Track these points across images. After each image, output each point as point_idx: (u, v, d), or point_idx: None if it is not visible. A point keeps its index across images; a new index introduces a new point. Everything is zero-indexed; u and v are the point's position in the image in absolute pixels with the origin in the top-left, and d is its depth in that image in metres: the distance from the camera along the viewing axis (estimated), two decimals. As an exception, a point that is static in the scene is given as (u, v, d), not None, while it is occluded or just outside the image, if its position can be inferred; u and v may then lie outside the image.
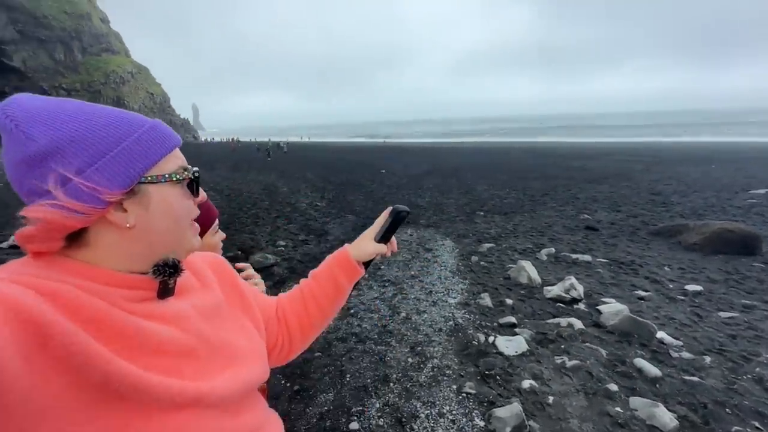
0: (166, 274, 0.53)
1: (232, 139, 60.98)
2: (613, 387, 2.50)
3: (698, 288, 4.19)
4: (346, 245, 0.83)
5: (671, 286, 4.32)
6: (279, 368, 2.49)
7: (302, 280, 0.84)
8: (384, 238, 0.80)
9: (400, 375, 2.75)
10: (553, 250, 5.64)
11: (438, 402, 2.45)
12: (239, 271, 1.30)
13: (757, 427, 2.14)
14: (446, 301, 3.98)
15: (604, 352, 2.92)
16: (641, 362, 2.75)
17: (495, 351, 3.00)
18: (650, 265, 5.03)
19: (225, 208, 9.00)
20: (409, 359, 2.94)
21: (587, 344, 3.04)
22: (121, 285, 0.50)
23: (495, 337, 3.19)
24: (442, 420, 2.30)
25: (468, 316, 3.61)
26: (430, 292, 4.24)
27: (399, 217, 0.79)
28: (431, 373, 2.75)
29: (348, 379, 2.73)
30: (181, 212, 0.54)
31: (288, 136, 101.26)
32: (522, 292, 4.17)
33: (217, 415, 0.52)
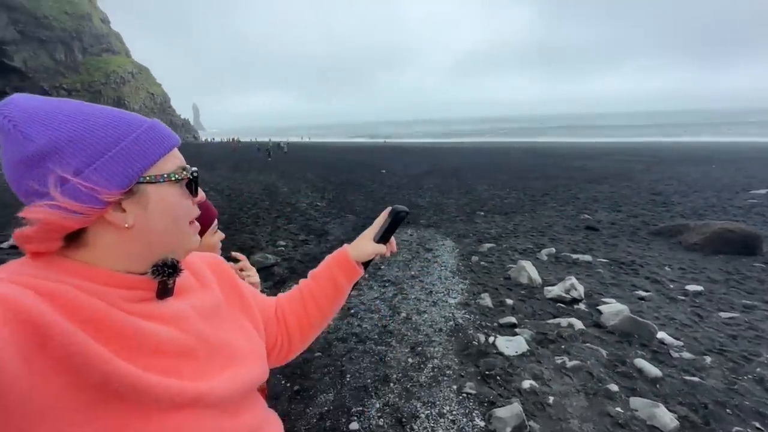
0: (165, 275, 0.53)
1: (233, 139, 60.99)
2: (614, 387, 2.50)
3: (699, 288, 4.19)
4: (345, 245, 0.83)
5: (672, 286, 4.31)
6: (279, 368, 2.49)
7: (301, 281, 0.84)
8: (383, 238, 0.80)
9: (400, 375, 2.75)
10: (553, 250, 5.63)
11: (438, 402, 2.45)
12: (235, 260, 1.30)
13: (758, 428, 2.14)
14: (446, 302, 3.97)
15: (604, 353, 2.92)
16: (642, 362, 2.74)
17: (495, 351, 3.00)
18: (651, 265, 5.03)
19: (225, 208, 9.00)
20: (410, 359, 2.94)
21: (588, 344, 3.04)
22: (120, 285, 0.50)
23: (495, 337, 3.18)
24: (442, 420, 2.30)
25: (468, 317, 3.61)
26: (431, 292, 4.23)
27: (398, 218, 0.79)
28: (431, 374, 2.75)
29: (348, 379, 2.73)
30: (179, 212, 0.54)
31: (288, 136, 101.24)
32: (522, 292, 4.16)
33: (217, 415, 0.52)
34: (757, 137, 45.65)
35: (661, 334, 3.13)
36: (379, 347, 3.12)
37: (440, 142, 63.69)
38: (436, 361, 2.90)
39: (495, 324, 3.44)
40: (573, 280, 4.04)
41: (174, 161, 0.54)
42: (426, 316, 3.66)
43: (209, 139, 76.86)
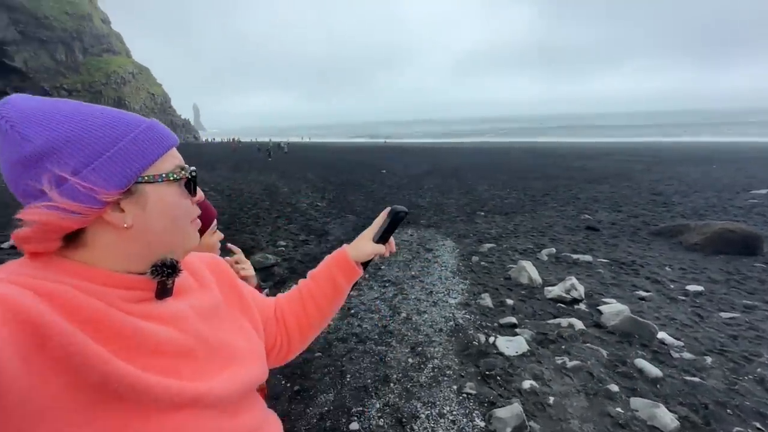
0: (164, 275, 0.53)
1: (233, 139, 61.03)
2: (614, 387, 2.50)
3: (699, 288, 4.18)
4: (344, 246, 0.83)
5: (672, 286, 4.31)
6: (279, 368, 2.49)
7: (300, 281, 0.84)
8: (382, 238, 0.80)
9: (400, 375, 2.75)
10: (553, 250, 5.63)
11: (438, 402, 2.45)
12: (231, 253, 1.31)
13: (759, 428, 2.14)
14: (447, 302, 3.97)
15: (604, 353, 2.92)
16: (642, 363, 2.74)
17: (495, 351, 2.99)
18: (651, 265, 5.02)
19: (226, 208, 9.00)
20: (410, 359, 2.94)
21: (588, 345, 3.04)
22: (119, 285, 0.50)
23: (495, 337, 3.18)
24: (442, 420, 2.30)
25: (468, 317, 3.61)
26: (431, 292, 4.23)
27: (397, 218, 0.79)
28: (432, 374, 2.75)
29: (348, 379, 2.73)
30: (178, 212, 0.54)
31: (288, 136, 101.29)
32: (523, 292, 4.16)
33: (216, 416, 0.52)
34: (757, 137, 45.65)
35: (661, 335, 3.13)
36: (379, 347, 3.12)
37: (440, 142, 63.71)
38: (436, 361, 2.90)
39: (495, 324, 3.44)
40: (573, 280, 4.04)
41: (172, 161, 0.54)
42: (426, 316, 3.66)
43: (210, 140, 76.89)
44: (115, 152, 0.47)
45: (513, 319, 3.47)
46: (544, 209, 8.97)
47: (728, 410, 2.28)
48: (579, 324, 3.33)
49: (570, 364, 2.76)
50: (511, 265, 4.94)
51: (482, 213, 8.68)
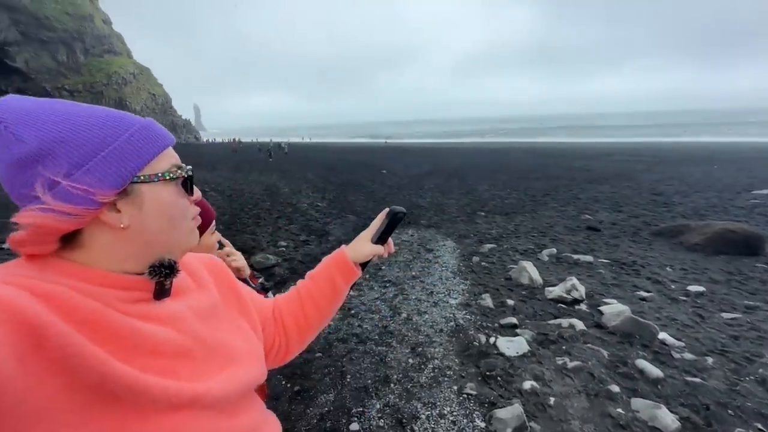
0: (162, 275, 0.53)
1: (234, 139, 61.09)
2: (615, 388, 2.49)
3: (700, 289, 4.17)
4: (343, 246, 0.83)
5: (673, 286, 4.30)
6: (280, 368, 2.49)
7: (299, 281, 0.84)
8: (381, 239, 0.80)
9: (400, 376, 2.75)
10: (554, 250, 5.62)
11: (439, 403, 2.45)
12: (220, 246, 1.31)
13: (760, 429, 2.13)
14: (447, 302, 3.97)
15: (605, 353, 2.91)
16: (643, 363, 2.74)
17: (496, 352, 2.99)
18: (652, 265, 5.01)
19: (226, 208, 9.01)
20: (410, 360, 2.94)
21: (589, 345, 3.03)
22: (116, 286, 0.49)
23: (496, 337, 3.18)
24: (442, 421, 2.29)
25: (469, 317, 3.60)
26: (431, 292, 4.23)
27: (396, 219, 0.79)
28: (432, 374, 2.75)
29: (348, 379, 2.72)
30: (175, 211, 0.54)
31: (289, 136, 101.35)
32: (523, 292, 4.16)
33: (214, 416, 0.52)
34: (757, 137, 45.62)
35: (662, 335, 3.12)
36: (379, 348, 3.12)
37: (441, 142, 63.74)
38: (436, 361, 2.90)
39: (496, 324, 3.44)
40: (574, 280, 4.03)
41: (169, 160, 0.53)
42: (427, 316, 3.65)
43: (210, 140, 76.96)
44: (110, 152, 0.47)
45: (514, 320, 3.47)
46: (545, 209, 8.96)
47: (730, 411, 2.27)
48: (580, 324, 3.32)
49: (571, 364, 2.76)
50: (511, 266, 4.93)
51: (483, 213, 8.67)
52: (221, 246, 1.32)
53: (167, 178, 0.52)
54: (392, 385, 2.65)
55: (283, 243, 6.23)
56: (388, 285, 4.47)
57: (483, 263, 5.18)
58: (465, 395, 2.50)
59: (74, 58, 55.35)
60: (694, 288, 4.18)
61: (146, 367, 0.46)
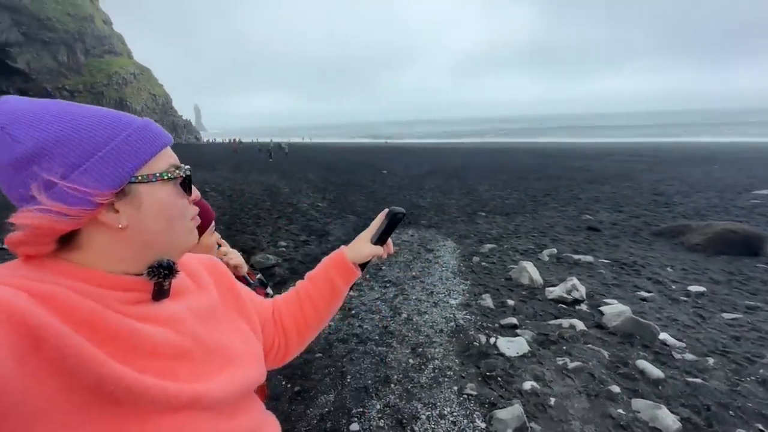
0: (161, 276, 0.53)
1: (234, 140, 61.09)
2: (616, 389, 2.49)
3: (701, 289, 4.17)
4: (342, 247, 0.82)
5: (674, 287, 4.30)
6: (280, 369, 2.49)
7: (298, 282, 0.84)
8: (380, 239, 0.80)
9: (400, 376, 2.74)
10: (554, 250, 5.62)
11: (439, 403, 2.44)
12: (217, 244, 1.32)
13: (761, 430, 2.13)
14: (447, 302, 3.97)
15: (606, 354, 2.91)
16: (644, 364, 2.73)
17: (496, 352, 2.99)
18: (653, 265, 5.01)
19: (227, 208, 9.01)
20: (410, 360, 2.94)
21: (589, 345, 3.03)
22: (115, 287, 0.49)
23: (496, 338, 3.17)
24: (442, 421, 2.29)
25: (469, 317, 3.60)
26: (432, 293, 4.23)
27: (395, 219, 0.79)
28: (432, 375, 2.74)
29: (349, 380, 2.72)
30: (174, 211, 0.54)
31: (289, 136, 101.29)
32: (523, 293, 4.15)
33: (213, 418, 0.52)
34: (757, 137, 45.57)
35: (663, 335, 3.12)
36: (379, 348, 3.12)
37: (441, 142, 63.74)
38: (436, 362, 2.90)
39: (496, 325, 3.43)
40: (574, 280, 4.03)
41: (167, 160, 0.53)
42: (427, 316, 3.65)
43: (211, 140, 76.98)
44: (107, 152, 0.47)
45: (514, 320, 3.46)
46: (545, 209, 8.96)
47: (730, 412, 2.27)
48: (580, 325, 3.32)
49: (571, 365, 2.76)
50: (512, 266, 4.93)
51: (483, 213, 8.67)
52: (217, 244, 1.33)
53: (165, 178, 0.52)
54: (392, 385, 2.64)
55: (283, 243, 6.23)
56: (388, 285, 4.47)
57: (483, 263, 5.18)
58: (465, 396, 2.50)
59: (75, 59, 55.41)
60: (694, 288, 4.18)
61: (145, 369, 0.46)
